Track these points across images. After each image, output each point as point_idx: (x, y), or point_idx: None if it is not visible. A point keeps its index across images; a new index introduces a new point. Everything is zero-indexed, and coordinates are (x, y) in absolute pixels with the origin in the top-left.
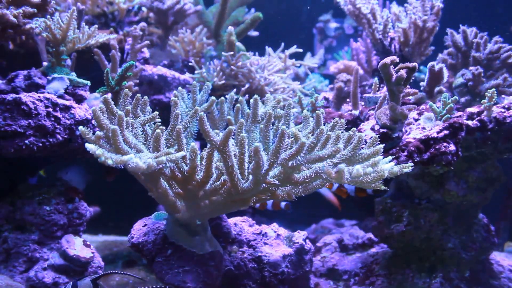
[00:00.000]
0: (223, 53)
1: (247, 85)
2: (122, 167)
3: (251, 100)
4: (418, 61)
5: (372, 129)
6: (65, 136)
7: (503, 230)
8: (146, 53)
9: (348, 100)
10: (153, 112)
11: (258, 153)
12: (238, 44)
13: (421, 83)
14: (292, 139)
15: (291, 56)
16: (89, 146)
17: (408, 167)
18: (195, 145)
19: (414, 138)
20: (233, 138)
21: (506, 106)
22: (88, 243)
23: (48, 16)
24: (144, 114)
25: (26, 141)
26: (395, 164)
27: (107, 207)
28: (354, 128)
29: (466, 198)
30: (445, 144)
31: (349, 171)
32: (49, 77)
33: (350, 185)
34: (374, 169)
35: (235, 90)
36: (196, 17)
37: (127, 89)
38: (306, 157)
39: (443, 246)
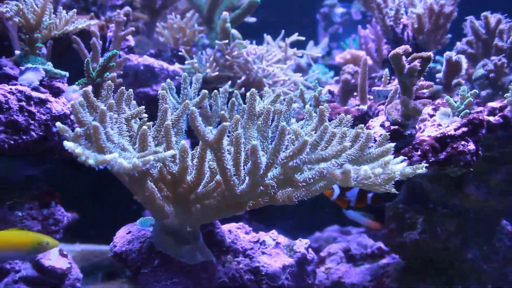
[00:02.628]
0: (216, 41)
1: (243, 77)
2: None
3: (248, 94)
4: (434, 51)
5: (382, 126)
6: (40, 133)
7: None
8: (131, 41)
9: (355, 93)
10: (139, 106)
11: (256, 152)
12: (234, 31)
13: (437, 75)
14: (293, 136)
15: (292, 45)
16: (67, 144)
17: (421, 167)
18: (186, 143)
19: (429, 136)
20: (227, 136)
21: None
22: (65, 252)
23: None
24: (129, 109)
25: None
26: (407, 165)
27: (86, 212)
28: (362, 125)
29: (488, 203)
30: (463, 142)
31: (356, 172)
32: (22, 68)
33: (352, 194)
34: (384, 170)
35: (230, 82)
36: (186, 0)
37: (110, 81)
38: (308, 156)
39: (462, 257)
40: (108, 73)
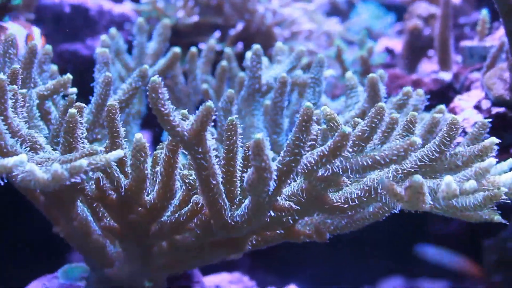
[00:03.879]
0: None
1: (240, 25)
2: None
3: (249, 54)
4: None
5: (477, 107)
6: None
7: None
8: None
9: (430, 53)
10: (62, 74)
11: (261, 153)
12: None
13: None
14: (325, 126)
15: None
16: None
17: None
18: (143, 137)
19: None
20: (213, 126)
21: None
22: None
23: None
24: (46, 79)
25: None
26: None
27: None
28: (443, 106)
29: None
30: None
31: (432, 186)
32: None
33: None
34: (481, 184)
35: (218, 34)
36: None
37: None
38: (350, 160)
39: None
40: (7, 18)
